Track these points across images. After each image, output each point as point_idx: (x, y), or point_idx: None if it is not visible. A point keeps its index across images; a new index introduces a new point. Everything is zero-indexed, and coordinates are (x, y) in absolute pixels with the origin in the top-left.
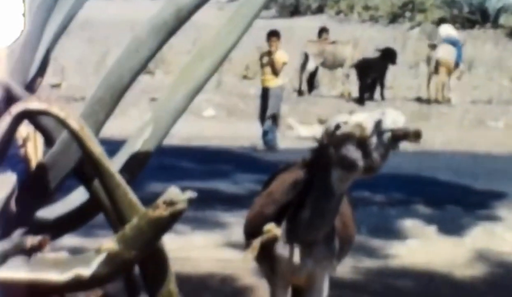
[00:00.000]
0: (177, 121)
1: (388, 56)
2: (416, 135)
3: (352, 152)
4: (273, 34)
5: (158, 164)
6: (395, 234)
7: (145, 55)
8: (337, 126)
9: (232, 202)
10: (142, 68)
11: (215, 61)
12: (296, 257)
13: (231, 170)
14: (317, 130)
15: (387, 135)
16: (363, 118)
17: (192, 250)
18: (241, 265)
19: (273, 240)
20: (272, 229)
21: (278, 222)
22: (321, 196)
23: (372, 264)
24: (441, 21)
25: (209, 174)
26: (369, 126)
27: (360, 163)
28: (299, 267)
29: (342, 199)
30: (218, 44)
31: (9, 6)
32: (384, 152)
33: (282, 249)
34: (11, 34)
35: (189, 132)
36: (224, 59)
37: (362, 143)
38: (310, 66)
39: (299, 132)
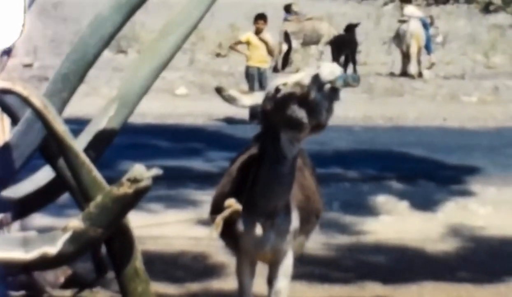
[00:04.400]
0: (143, 98)
1: (351, 29)
2: (354, 80)
3: (297, 111)
4: (261, 17)
5: (131, 142)
6: (368, 210)
7: (108, 31)
8: (277, 90)
9: (205, 180)
10: (106, 44)
11: (180, 37)
12: (258, 231)
13: (203, 148)
14: (260, 98)
15: (326, 88)
16: (300, 76)
17: (165, 227)
18: (213, 243)
19: (235, 215)
20: (233, 204)
21: (239, 198)
22: (274, 161)
23: (344, 240)
24: (403, 1)
25: (182, 151)
26: (307, 83)
27: (306, 120)
28: (261, 241)
29: (296, 163)
30: (183, 21)
31: (9, 6)
32: (327, 105)
33: (243, 224)
34: (11, 34)
35: (162, 110)
36: (189, 35)
37: (304, 100)
38: (287, 44)
39: (243, 102)
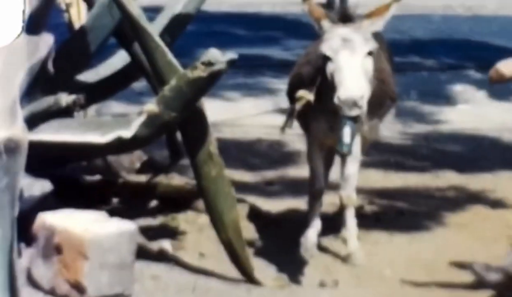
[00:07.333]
0: None
1: None
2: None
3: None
4: None
5: (208, 30)
6: (445, 99)
7: None
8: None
9: (282, 68)
10: None
11: None
12: (326, 121)
13: (282, 36)
14: None
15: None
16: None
17: (242, 116)
18: (289, 131)
19: (307, 105)
20: (305, 95)
21: (313, 82)
22: None
23: (421, 129)
24: None
25: (259, 40)
26: None
27: None
28: (329, 130)
29: None
30: None
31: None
32: None
33: (313, 113)
34: (11, 34)
35: None
36: None
37: None
38: None
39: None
